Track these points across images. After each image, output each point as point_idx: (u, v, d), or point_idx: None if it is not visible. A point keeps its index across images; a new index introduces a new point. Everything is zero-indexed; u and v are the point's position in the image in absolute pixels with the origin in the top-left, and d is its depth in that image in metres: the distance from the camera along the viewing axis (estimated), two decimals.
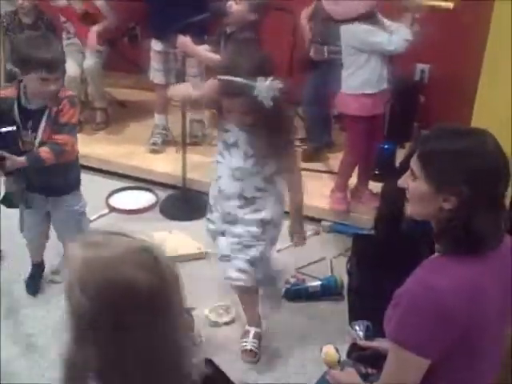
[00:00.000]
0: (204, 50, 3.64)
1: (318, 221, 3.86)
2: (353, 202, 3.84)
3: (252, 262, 2.68)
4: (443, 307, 1.53)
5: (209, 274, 3.28)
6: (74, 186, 3.00)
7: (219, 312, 3.12)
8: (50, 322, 3.01)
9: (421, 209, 1.66)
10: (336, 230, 3.83)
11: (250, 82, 2.35)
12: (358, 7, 3.25)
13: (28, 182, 2.83)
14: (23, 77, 2.69)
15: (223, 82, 2.44)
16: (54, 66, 2.64)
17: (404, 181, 1.69)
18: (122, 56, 4.92)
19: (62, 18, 4.67)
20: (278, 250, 3.41)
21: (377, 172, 3.94)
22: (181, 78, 3.99)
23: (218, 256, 2.84)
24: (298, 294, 3.27)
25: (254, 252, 2.68)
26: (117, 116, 4.98)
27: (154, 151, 4.50)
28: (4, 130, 2.66)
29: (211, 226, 2.83)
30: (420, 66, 4.52)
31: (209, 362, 1.42)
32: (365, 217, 3.70)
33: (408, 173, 1.67)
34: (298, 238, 2.88)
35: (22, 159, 2.67)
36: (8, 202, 2.86)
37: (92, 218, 3.61)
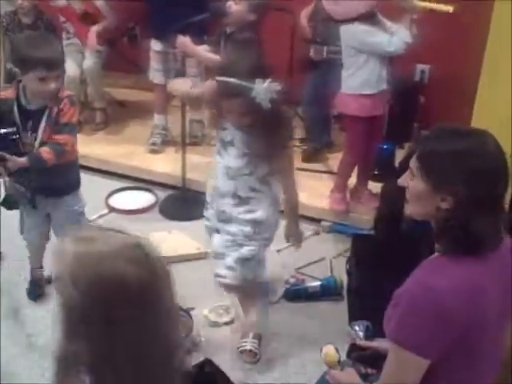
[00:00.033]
0: (204, 50, 3.64)
1: (317, 221, 3.86)
2: (352, 202, 3.84)
3: (242, 261, 2.67)
4: (442, 307, 1.53)
5: (208, 274, 3.26)
6: (75, 186, 2.99)
7: (219, 312, 3.12)
8: (49, 322, 2.99)
9: (419, 208, 1.67)
10: (335, 230, 3.83)
11: (248, 83, 2.35)
12: (357, 7, 3.26)
13: (29, 183, 2.82)
14: (23, 76, 2.68)
15: (221, 83, 2.44)
16: (53, 65, 2.63)
17: (404, 179, 1.69)
18: (121, 56, 4.92)
19: (62, 18, 4.67)
20: (278, 250, 3.41)
21: (376, 172, 3.94)
22: (180, 78, 3.99)
23: (212, 254, 2.84)
24: (298, 295, 3.27)
25: (245, 251, 2.66)
26: (116, 116, 4.99)
27: (153, 151, 4.51)
28: (3, 131, 2.66)
29: (207, 223, 2.82)
30: (420, 67, 4.53)
31: (209, 362, 1.42)
32: (364, 217, 3.70)
33: (408, 172, 1.67)
34: (294, 240, 2.87)
35: (23, 160, 2.67)
36: (8, 203, 2.85)
37: (91, 218, 3.62)
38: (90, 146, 4.29)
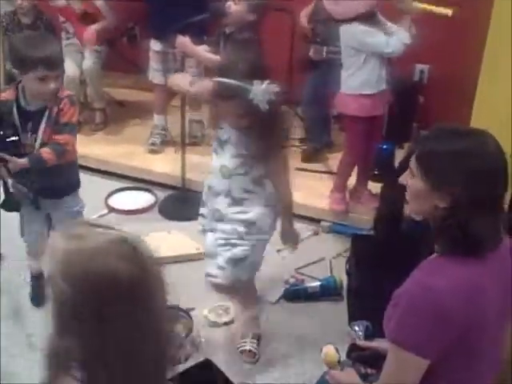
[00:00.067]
0: (203, 51, 3.62)
1: (317, 221, 3.86)
2: (352, 202, 3.84)
3: (233, 261, 2.63)
4: (441, 307, 1.53)
5: None
6: (75, 186, 2.99)
7: (219, 312, 3.12)
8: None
9: (418, 206, 1.67)
10: (335, 231, 3.83)
11: (246, 84, 2.34)
12: (357, 7, 3.26)
13: (31, 184, 2.82)
14: (22, 77, 2.68)
15: (219, 84, 2.43)
16: (52, 63, 2.62)
17: (404, 178, 1.69)
18: (120, 56, 4.92)
19: (61, 18, 4.67)
20: (278, 250, 3.41)
21: (376, 172, 3.94)
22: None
23: (204, 253, 2.82)
24: (297, 295, 3.27)
25: (237, 251, 2.62)
26: (116, 116, 4.99)
27: (152, 151, 4.51)
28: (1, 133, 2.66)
29: (202, 221, 2.80)
30: (419, 67, 4.54)
31: (209, 362, 1.42)
32: (364, 217, 3.70)
33: (408, 171, 1.67)
34: (289, 241, 2.81)
35: (23, 161, 2.66)
36: (8, 206, 2.84)
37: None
38: (89, 147, 4.29)
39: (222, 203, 2.62)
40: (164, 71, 4.35)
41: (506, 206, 1.83)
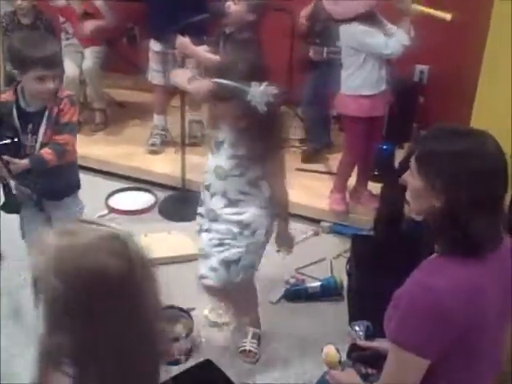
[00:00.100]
0: (203, 51, 3.63)
1: (317, 221, 3.87)
2: (352, 202, 3.85)
3: (226, 263, 2.60)
4: (441, 308, 1.53)
5: None
6: (75, 187, 2.99)
7: (219, 312, 3.12)
8: None
9: (417, 206, 1.67)
10: (335, 231, 3.83)
11: (244, 86, 2.33)
12: (357, 7, 3.26)
13: (34, 185, 2.81)
14: (21, 77, 2.67)
15: (217, 85, 2.42)
16: (51, 63, 2.61)
17: (405, 177, 1.69)
18: (120, 57, 4.92)
19: (61, 19, 4.67)
20: (278, 250, 3.40)
21: (376, 173, 3.95)
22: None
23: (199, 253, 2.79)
24: (298, 295, 3.27)
25: (230, 253, 2.60)
26: (115, 117, 4.99)
27: (152, 152, 4.51)
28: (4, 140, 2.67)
29: (199, 220, 2.78)
30: (419, 67, 4.54)
31: (209, 362, 1.42)
32: (364, 217, 3.70)
33: (408, 171, 1.67)
34: (284, 244, 2.79)
35: (25, 162, 2.66)
36: (8, 207, 2.83)
37: None
38: (89, 147, 4.29)
39: (217, 203, 2.61)
40: (164, 72, 4.35)
41: (506, 207, 1.83)
